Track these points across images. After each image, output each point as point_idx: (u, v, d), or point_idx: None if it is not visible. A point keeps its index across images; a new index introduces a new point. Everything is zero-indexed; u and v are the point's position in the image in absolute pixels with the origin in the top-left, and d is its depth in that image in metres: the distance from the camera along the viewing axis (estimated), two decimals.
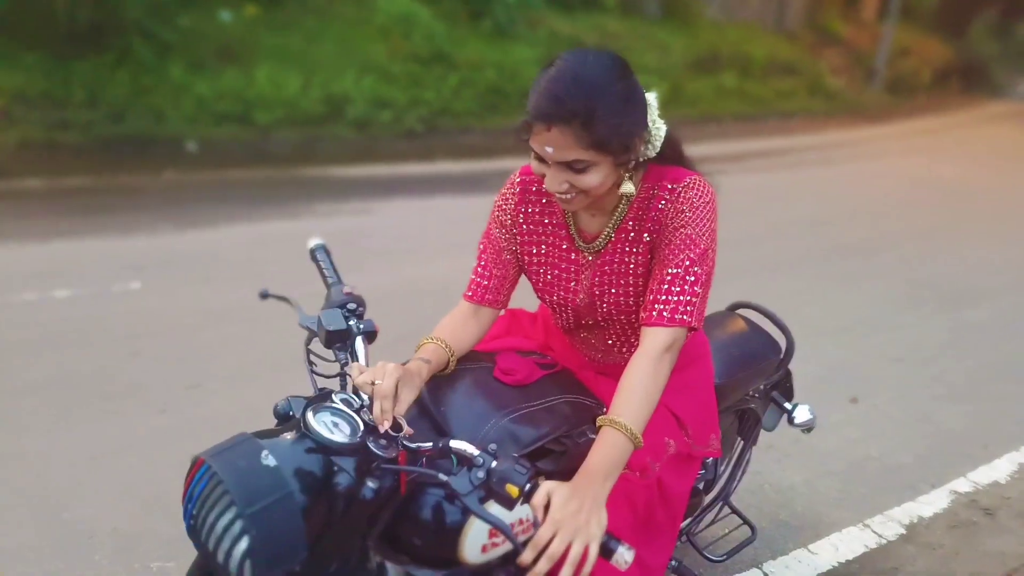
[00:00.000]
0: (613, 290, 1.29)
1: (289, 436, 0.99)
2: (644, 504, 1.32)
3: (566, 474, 1.33)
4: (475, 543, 1.14)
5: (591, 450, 1.08)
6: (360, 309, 1.27)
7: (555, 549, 0.93)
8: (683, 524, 1.94)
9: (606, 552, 0.96)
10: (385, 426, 1.02)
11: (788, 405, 2.04)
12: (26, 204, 6.40)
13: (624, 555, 0.95)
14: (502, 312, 1.45)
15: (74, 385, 3.22)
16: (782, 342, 1.98)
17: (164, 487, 2.33)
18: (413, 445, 1.07)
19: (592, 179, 1.14)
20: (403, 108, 9.24)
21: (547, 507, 0.97)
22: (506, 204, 1.38)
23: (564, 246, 1.34)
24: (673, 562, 1.81)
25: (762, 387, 1.97)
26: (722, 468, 2.05)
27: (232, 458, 0.93)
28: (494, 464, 0.99)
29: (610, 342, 1.39)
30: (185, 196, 6.86)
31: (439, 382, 1.26)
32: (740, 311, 2.07)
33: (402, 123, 9.18)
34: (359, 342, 1.22)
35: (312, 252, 1.43)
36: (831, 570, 2.28)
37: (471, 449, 1.01)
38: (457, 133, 9.46)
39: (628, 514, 1.27)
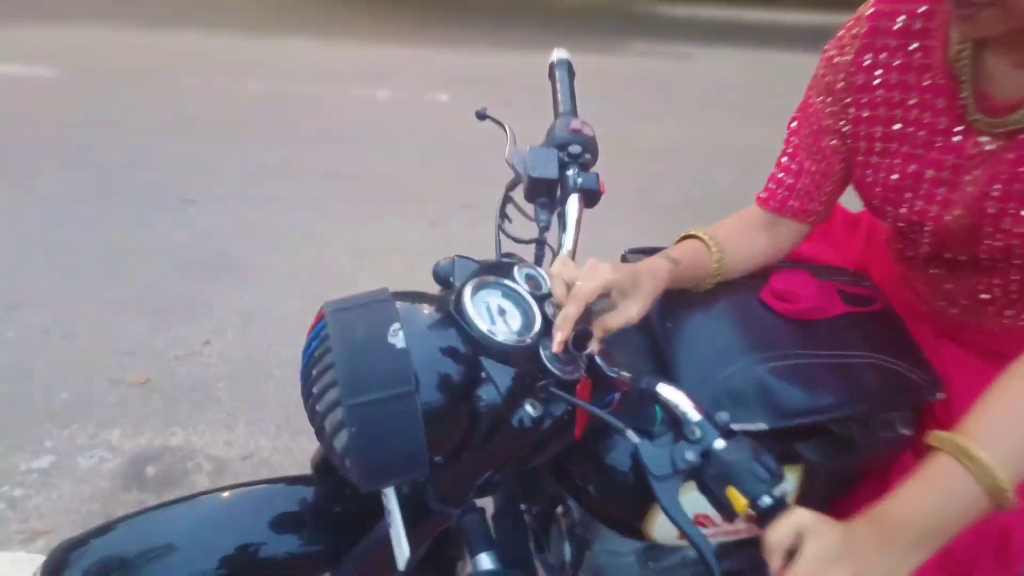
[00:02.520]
0: None
1: (436, 313, 0.71)
2: None
3: (839, 480, 0.88)
4: (669, 525, 0.79)
5: (907, 484, 0.61)
6: (586, 156, 0.90)
7: None
8: None
9: None
10: (558, 340, 0.68)
11: None
12: (363, 6, 6.91)
13: None
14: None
15: (371, 183, 3.42)
16: None
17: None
18: (610, 372, 0.73)
19: None
20: None
21: (792, 553, 0.57)
22: (842, 53, 0.84)
23: (940, 122, 0.76)
24: None
25: None
26: None
27: (353, 322, 0.68)
28: (719, 445, 0.60)
29: (985, 296, 0.82)
30: (510, 18, 6.81)
31: (676, 295, 0.86)
32: None
33: None
34: (573, 201, 0.86)
35: (551, 67, 1.06)
36: None
37: (689, 409, 0.63)
38: None
39: None
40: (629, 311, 0.74)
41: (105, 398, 1.92)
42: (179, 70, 4.88)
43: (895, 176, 0.82)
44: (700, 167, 3.57)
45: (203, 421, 1.86)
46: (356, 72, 4.96)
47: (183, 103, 4.29)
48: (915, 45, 0.79)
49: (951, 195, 0.78)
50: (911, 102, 0.80)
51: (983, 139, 0.75)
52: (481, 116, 1.07)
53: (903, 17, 0.79)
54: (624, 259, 0.93)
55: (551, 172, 0.87)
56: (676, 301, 0.86)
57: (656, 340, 0.85)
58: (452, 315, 0.69)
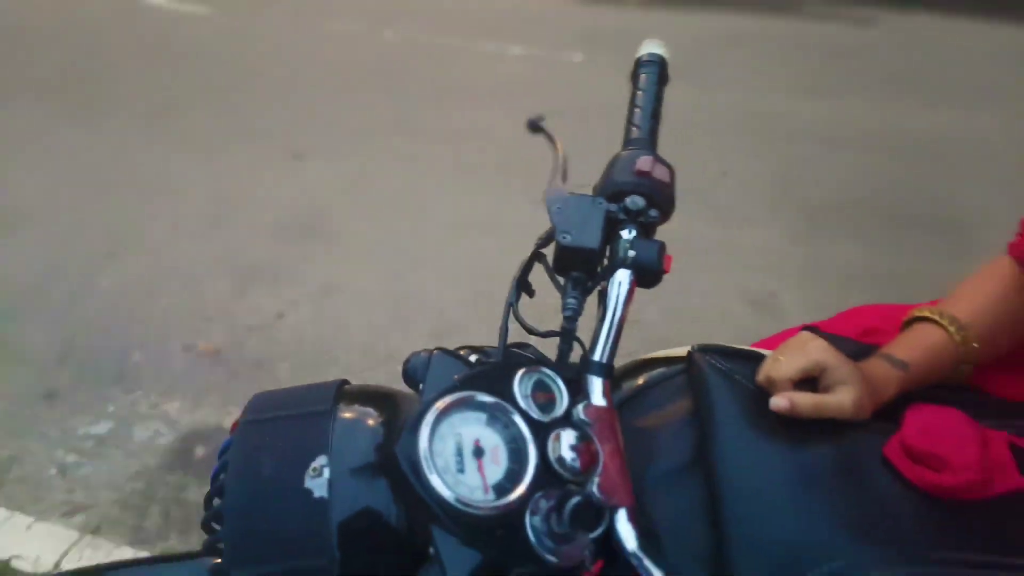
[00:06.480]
0: None
1: (382, 440, 0.50)
2: None
3: None
4: None
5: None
6: (651, 213, 0.60)
7: None
8: None
9: None
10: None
11: None
12: None
13: None
14: None
15: (484, 147, 3.21)
16: None
17: None
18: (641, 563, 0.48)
19: None
20: None
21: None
22: None
23: None
24: None
25: None
26: None
27: (265, 445, 0.50)
28: None
29: None
30: None
31: (761, 421, 0.60)
32: None
33: None
34: (621, 278, 0.58)
35: (636, 65, 0.75)
36: None
37: None
38: None
39: None
40: (843, 401, 0.59)
41: (174, 364, 1.89)
42: (326, 13, 4.86)
43: None
44: (866, 157, 3.03)
45: None
46: (483, 28, 4.71)
47: (321, 49, 4.27)
48: None
49: None
50: None
51: None
52: (534, 127, 0.79)
53: None
54: (692, 359, 0.68)
55: (589, 239, 0.59)
56: (755, 431, 0.59)
57: (718, 496, 0.57)
58: (394, 457, 0.46)
